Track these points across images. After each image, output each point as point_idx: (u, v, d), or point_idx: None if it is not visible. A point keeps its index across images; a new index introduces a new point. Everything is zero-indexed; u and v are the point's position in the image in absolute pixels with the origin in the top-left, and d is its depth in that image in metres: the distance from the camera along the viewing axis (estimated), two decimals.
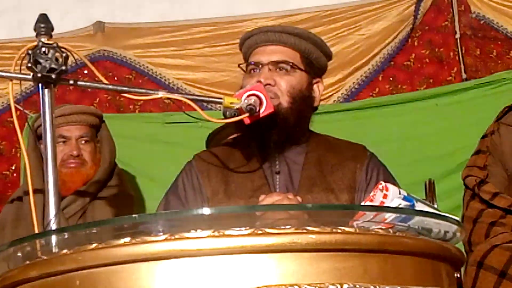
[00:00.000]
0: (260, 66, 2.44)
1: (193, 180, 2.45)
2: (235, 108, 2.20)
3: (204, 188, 2.42)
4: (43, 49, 1.98)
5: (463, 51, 3.97)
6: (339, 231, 1.56)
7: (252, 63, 2.45)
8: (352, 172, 2.42)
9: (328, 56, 2.56)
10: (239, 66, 2.52)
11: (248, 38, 2.51)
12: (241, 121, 2.22)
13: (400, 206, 1.77)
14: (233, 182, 2.41)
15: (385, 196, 1.80)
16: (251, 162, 2.44)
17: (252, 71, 2.46)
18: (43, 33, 2.01)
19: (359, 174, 2.42)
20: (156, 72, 4.09)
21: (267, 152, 2.43)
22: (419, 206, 1.80)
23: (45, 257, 1.62)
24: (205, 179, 2.42)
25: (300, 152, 2.46)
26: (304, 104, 2.45)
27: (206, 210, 1.64)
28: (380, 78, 4.04)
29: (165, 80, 4.08)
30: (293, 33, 2.49)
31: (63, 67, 1.98)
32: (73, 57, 2.04)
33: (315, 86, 2.51)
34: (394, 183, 2.38)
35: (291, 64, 2.44)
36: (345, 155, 2.45)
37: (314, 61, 2.50)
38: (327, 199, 2.35)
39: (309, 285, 1.51)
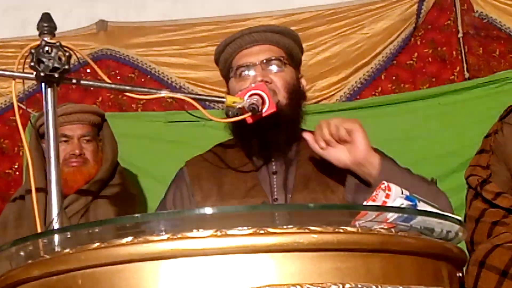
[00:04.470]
0: (252, 67, 2.43)
1: (182, 190, 2.46)
2: (237, 107, 2.20)
3: (195, 196, 2.42)
4: (46, 48, 1.97)
5: (466, 50, 3.97)
6: (341, 231, 1.56)
7: (243, 65, 2.44)
8: None
9: (303, 51, 2.58)
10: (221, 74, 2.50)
11: (230, 43, 2.49)
12: (241, 121, 2.21)
13: (402, 206, 1.77)
14: (226, 184, 2.40)
15: (387, 196, 1.80)
16: (244, 163, 2.43)
17: (242, 74, 2.44)
18: (46, 32, 2.01)
19: None
20: (158, 71, 4.09)
21: (264, 152, 2.42)
22: (421, 206, 1.80)
23: (47, 256, 1.62)
24: (195, 186, 2.41)
25: (295, 150, 2.45)
26: (299, 98, 2.46)
27: (208, 210, 1.63)
28: (382, 77, 4.04)
29: (167, 79, 4.08)
30: (276, 31, 2.50)
31: (66, 66, 1.98)
32: (76, 56, 2.04)
33: (302, 80, 2.52)
34: None
35: (281, 59, 2.44)
36: None
37: (296, 56, 2.52)
38: (324, 196, 2.34)
39: (311, 285, 1.51)
